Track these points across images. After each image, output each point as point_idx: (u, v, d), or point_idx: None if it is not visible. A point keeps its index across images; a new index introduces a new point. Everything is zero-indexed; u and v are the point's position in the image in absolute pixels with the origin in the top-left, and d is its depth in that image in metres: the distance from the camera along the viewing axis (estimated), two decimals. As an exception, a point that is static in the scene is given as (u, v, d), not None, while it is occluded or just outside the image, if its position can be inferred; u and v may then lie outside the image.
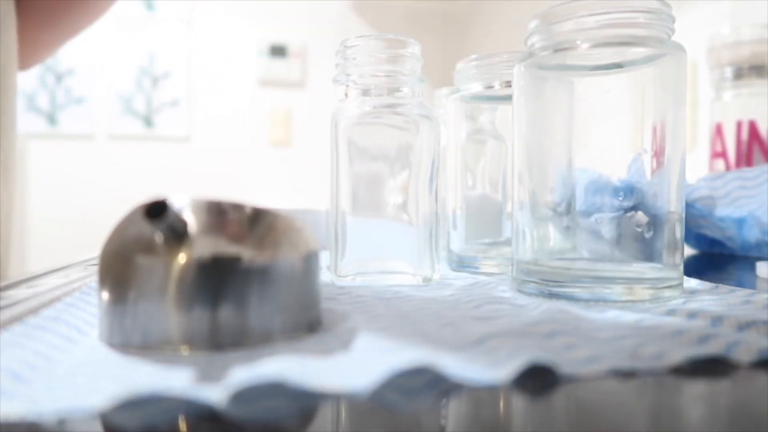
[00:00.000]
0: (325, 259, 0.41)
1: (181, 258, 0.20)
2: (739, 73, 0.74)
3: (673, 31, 0.29)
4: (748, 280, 0.39)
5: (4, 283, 0.36)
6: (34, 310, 0.27)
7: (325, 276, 0.37)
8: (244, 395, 0.16)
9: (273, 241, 0.22)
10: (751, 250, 0.53)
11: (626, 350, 0.20)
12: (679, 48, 0.29)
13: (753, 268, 0.42)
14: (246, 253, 0.21)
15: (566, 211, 0.31)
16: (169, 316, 0.20)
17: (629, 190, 0.29)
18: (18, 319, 0.25)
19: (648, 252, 0.29)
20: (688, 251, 0.59)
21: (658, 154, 0.29)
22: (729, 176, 0.55)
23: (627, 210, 0.29)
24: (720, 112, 0.77)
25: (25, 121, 2.13)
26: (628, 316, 0.25)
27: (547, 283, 0.30)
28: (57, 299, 0.30)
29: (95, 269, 0.23)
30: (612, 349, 0.20)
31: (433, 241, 0.36)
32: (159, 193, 0.21)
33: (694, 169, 0.75)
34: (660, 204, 0.29)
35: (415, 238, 0.36)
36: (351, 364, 0.18)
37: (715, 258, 0.54)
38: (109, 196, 2.18)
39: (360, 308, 0.28)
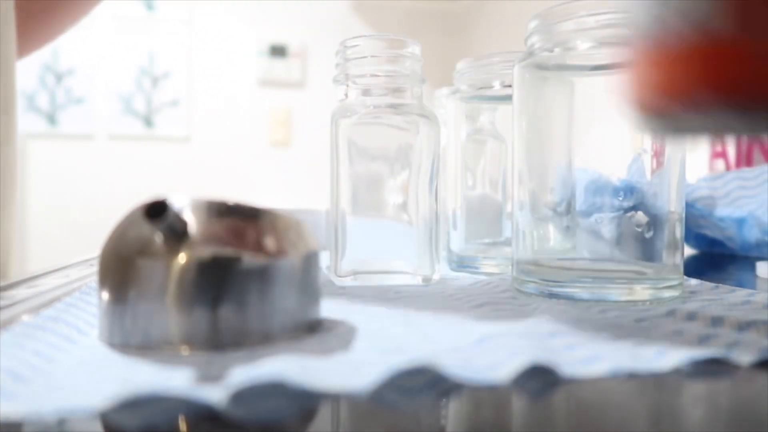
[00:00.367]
0: (325, 259, 0.41)
1: (181, 258, 0.20)
2: (739, 73, 0.74)
3: (673, 31, 0.29)
4: (748, 280, 0.39)
5: (4, 283, 0.36)
6: (34, 310, 0.27)
7: (325, 276, 0.37)
8: (244, 395, 0.16)
9: (273, 241, 0.22)
10: (751, 250, 0.53)
11: (626, 350, 0.20)
12: (679, 48, 0.29)
13: (753, 268, 0.42)
14: (246, 253, 0.21)
15: (566, 211, 0.31)
16: (169, 316, 0.20)
17: (629, 190, 0.29)
18: (18, 319, 0.25)
19: (648, 252, 0.29)
20: (688, 251, 0.59)
21: (658, 154, 0.29)
22: (729, 176, 0.55)
23: (627, 210, 0.29)
24: (720, 112, 0.77)
25: (25, 121, 2.13)
26: (628, 316, 0.25)
27: (547, 283, 0.30)
28: (57, 299, 0.30)
29: (95, 269, 0.23)
30: (612, 349, 0.20)
31: (433, 241, 0.36)
32: (159, 193, 0.21)
33: (694, 169, 0.75)
34: (660, 204, 0.29)
35: (415, 238, 0.36)
36: (351, 364, 0.18)
37: (715, 258, 0.54)
38: (109, 196, 2.18)
39: (360, 308, 0.28)
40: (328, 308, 0.27)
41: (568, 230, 0.31)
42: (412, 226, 0.36)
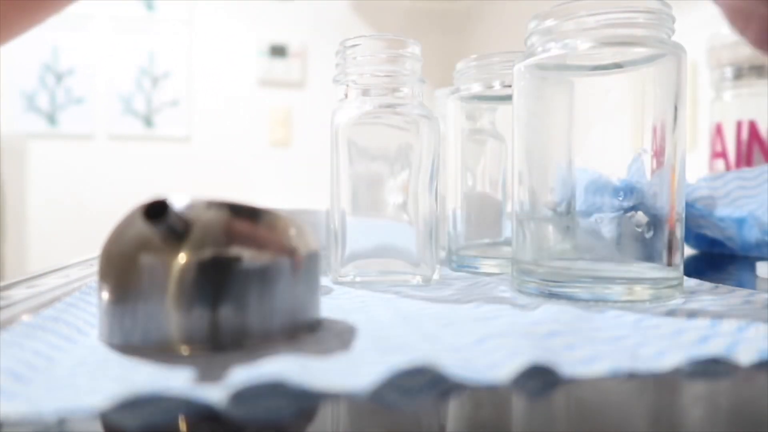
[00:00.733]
0: (325, 259, 0.41)
1: (181, 258, 0.20)
2: (739, 73, 0.74)
3: (673, 31, 0.29)
4: (748, 280, 0.39)
5: (4, 283, 0.36)
6: (34, 310, 0.27)
7: (325, 276, 0.37)
8: (244, 395, 0.16)
9: (273, 241, 0.22)
10: (751, 250, 0.53)
11: (626, 350, 0.20)
12: (679, 48, 0.29)
13: (753, 268, 0.42)
14: (246, 253, 0.21)
15: (566, 211, 0.31)
16: (169, 316, 0.20)
17: (629, 190, 0.29)
18: (18, 319, 0.25)
19: (648, 252, 0.29)
20: (688, 251, 0.59)
21: (658, 154, 0.29)
22: (729, 176, 0.55)
23: (627, 210, 0.29)
24: (720, 112, 0.77)
25: (25, 121, 2.13)
26: (628, 316, 0.25)
27: (547, 283, 0.30)
28: (57, 299, 0.30)
29: (95, 269, 0.23)
30: (612, 349, 0.20)
31: (433, 241, 0.36)
32: (159, 193, 0.21)
33: (694, 169, 0.75)
34: (660, 204, 0.29)
35: (415, 238, 0.36)
36: (351, 364, 0.18)
37: (715, 258, 0.54)
38: (109, 196, 2.18)
39: (360, 308, 0.28)
40: (328, 308, 0.27)
41: (568, 230, 0.31)
42: (412, 226, 0.36)
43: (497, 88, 0.40)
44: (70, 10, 0.56)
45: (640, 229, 0.29)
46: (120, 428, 0.15)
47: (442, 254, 0.43)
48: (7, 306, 0.29)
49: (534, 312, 0.26)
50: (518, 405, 0.17)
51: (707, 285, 0.33)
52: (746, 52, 0.74)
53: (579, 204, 0.31)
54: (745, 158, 0.73)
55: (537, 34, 0.30)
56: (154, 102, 2.29)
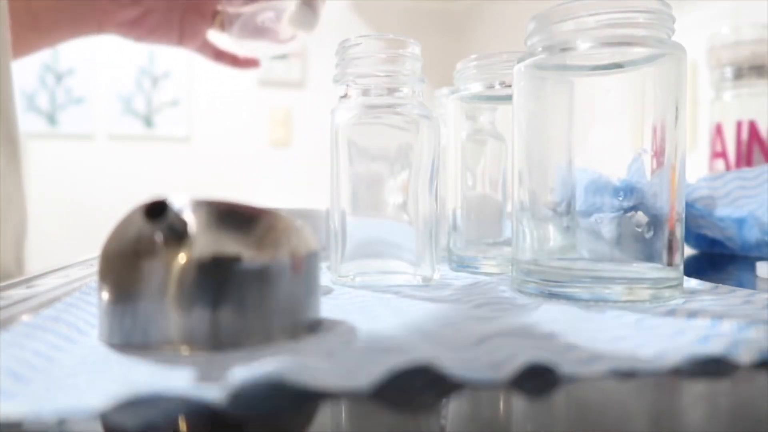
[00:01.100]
0: (325, 259, 0.41)
1: (181, 258, 0.20)
2: (739, 73, 0.74)
3: (673, 31, 0.29)
4: (748, 280, 0.39)
5: (4, 283, 0.36)
6: (34, 310, 0.27)
7: (325, 276, 0.37)
8: (244, 395, 0.16)
9: (273, 241, 0.22)
10: (751, 250, 0.53)
11: (626, 350, 0.20)
12: (679, 48, 0.29)
13: (753, 268, 0.42)
14: (246, 253, 0.21)
15: (566, 211, 0.31)
16: (169, 316, 0.20)
17: (629, 190, 0.29)
18: (18, 319, 0.25)
19: (648, 252, 0.29)
20: (688, 251, 0.59)
21: (658, 154, 0.29)
22: (729, 176, 0.55)
23: (627, 210, 0.29)
24: (720, 112, 0.77)
25: (25, 121, 2.13)
26: (628, 316, 0.25)
27: (547, 283, 0.30)
28: (57, 299, 0.30)
29: (95, 269, 0.23)
30: (612, 349, 0.20)
31: (433, 241, 0.36)
32: (159, 193, 0.21)
33: (694, 169, 0.75)
34: (660, 204, 0.29)
35: (415, 238, 0.36)
36: (351, 364, 0.18)
37: (715, 258, 0.54)
38: (109, 196, 2.18)
39: (360, 308, 0.28)
40: (328, 308, 0.27)
41: (568, 230, 0.31)
42: (412, 225, 0.36)
43: (497, 88, 0.40)
44: None
45: (640, 229, 0.29)
46: (120, 428, 0.15)
47: (442, 254, 0.43)
48: (7, 306, 0.29)
49: (534, 312, 0.26)
50: (518, 405, 0.17)
51: (707, 285, 0.33)
52: (746, 52, 0.74)
53: (579, 204, 0.31)
54: (745, 158, 0.73)
55: (537, 34, 0.30)
56: (154, 102, 2.29)
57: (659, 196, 0.29)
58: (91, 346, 0.21)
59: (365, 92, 0.36)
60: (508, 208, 0.41)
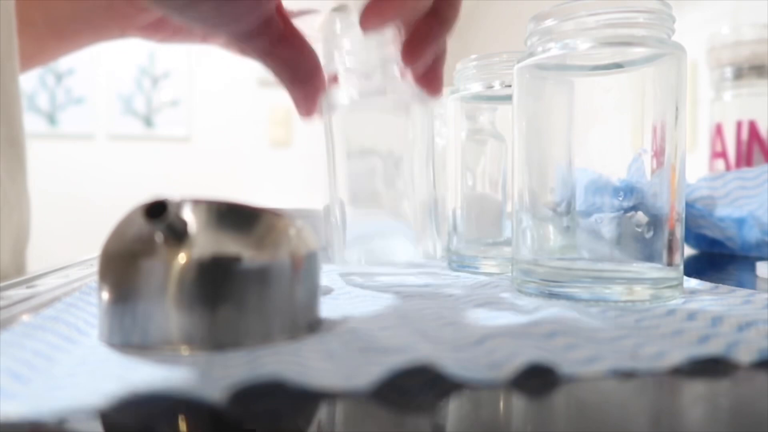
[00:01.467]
0: (326, 251, 0.41)
1: (181, 258, 0.20)
2: (739, 73, 0.74)
3: (673, 31, 0.29)
4: (748, 280, 0.39)
5: (4, 283, 0.36)
6: (34, 310, 0.27)
7: (325, 276, 0.37)
8: (244, 395, 0.16)
9: (273, 241, 0.22)
10: (751, 250, 0.53)
11: (626, 350, 0.20)
12: (679, 48, 0.29)
13: (753, 268, 0.42)
14: (246, 253, 0.21)
15: (566, 211, 0.31)
16: (169, 316, 0.20)
17: (629, 190, 0.29)
18: (18, 319, 0.25)
19: (648, 252, 0.29)
20: (688, 251, 0.59)
21: (658, 154, 0.29)
22: (729, 176, 0.55)
23: (627, 210, 0.29)
24: (720, 112, 0.77)
25: (25, 121, 2.13)
26: (628, 316, 0.25)
27: (547, 283, 0.30)
28: (57, 299, 0.30)
29: (95, 269, 0.23)
30: (612, 349, 0.20)
31: (433, 218, 0.36)
32: (159, 193, 0.21)
33: (694, 169, 0.75)
34: (660, 204, 0.29)
35: (414, 215, 0.36)
36: (351, 364, 0.18)
37: (715, 258, 0.54)
38: (109, 196, 2.18)
39: (360, 308, 0.28)
40: (328, 308, 0.27)
41: (568, 230, 0.31)
42: (411, 204, 0.36)
43: (497, 88, 0.40)
44: None
45: (640, 229, 0.29)
46: (120, 428, 0.15)
47: (444, 231, 0.43)
48: (7, 306, 0.29)
49: (534, 312, 0.26)
50: (518, 405, 0.17)
51: (707, 285, 0.33)
52: (746, 52, 0.74)
53: (579, 204, 0.31)
54: (745, 158, 0.73)
55: (537, 34, 0.30)
56: (154, 102, 2.29)
57: (659, 196, 0.29)
58: (91, 346, 0.21)
59: (357, 77, 0.36)
60: (508, 208, 0.41)
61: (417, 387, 0.17)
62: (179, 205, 0.21)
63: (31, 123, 2.16)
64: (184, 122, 2.31)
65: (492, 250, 0.42)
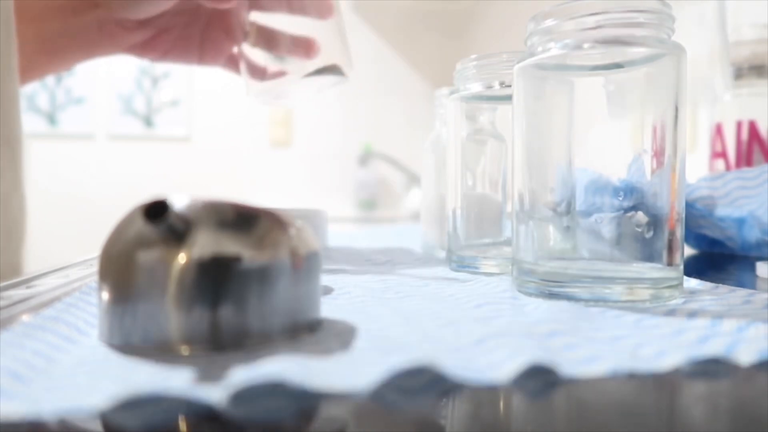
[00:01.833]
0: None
1: (181, 258, 0.20)
2: (739, 73, 0.74)
3: (673, 31, 0.29)
4: (748, 280, 0.39)
5: (4, 283, 0.36)
6: (34, 310, 0.27)
7: (325, 278, 0.37)
8: (244, 395, 0.16)
9: (273, 241, 0.22)
10: (751, 250, 0.53)
11: (626, 350, 0.20)
12: (679, 48, 0.29)
13: (753, 268, 0.42)
14: (246, 253, 0.21)
15: (566, 211, 0.31)
16: (169, 316, 0.20)
17: (629, 190, 0.29)
18: (18, 319, 0.25)
19: (648, 252, 0.29)
20: (688, 251, 0.59)
21: (658, 154, 0.29)
22: (729, 176, 0.55)
23: (627, 210, 0.29)
24: (720, 112, 0.77)
25: (25, 121, 2.13)
26: (628, 316, 0.25)
27: (547, 283, 0.30)
28: (57, 299, 0.30)
29: (95, 269, 0.23)
30: (612, 349, 0.20)
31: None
32: (159, 193, 0.21)
33: (694, 169, 0.75)
34: (660, 204, 0.29)
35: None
36: (351, 364, 0.18)
37: (715, 258, 0.54)
38: (109, 196, 2.18)
39: (360, 308, 0.28)
40: (328, 308, 0.27)
41: (568, 230, 0.31)
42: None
43: (497, 88, 0.40)
44: None
45: (640, 229, 0.29)
46: (120, 428, 0.15)
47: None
48: (7, 306, 0.29)
49: (534, 312, 0.26)
50: (518, 405, 0.17)
51: (707, 285, 0.33)
52: (746, 52, 0.74)
53: (579, 204, 0.31)
54: (745, 158, 0.73)
55: (537, 34, 0.30)
56: (154, 102, 2.29)
57: (659, 196, 0.29)
58: (91, 346, 0.21)
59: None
60: (508, 208, 0.41)
61: (417, 387, 0.17)
62: (179, 205, 0.21)
63: (31, 123, 2.16)
64: (184, 122, 2.31)
65: (492, 250, 0.42)
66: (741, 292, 0.30)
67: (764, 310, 0.25)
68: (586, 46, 0.29)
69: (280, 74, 0.51)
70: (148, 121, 2.29)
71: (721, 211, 0.53)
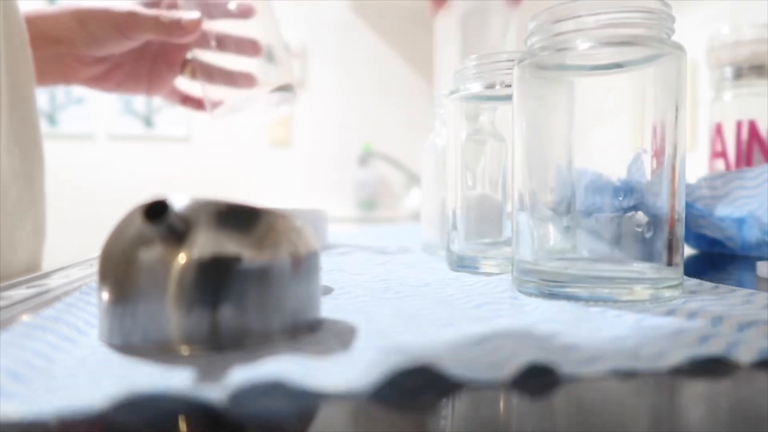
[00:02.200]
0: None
1: (181, 258, 0.20)
2: (739, 73, 0.74)
3: (673, 31, 0.29)
4: (748, 280, 0.39)
5: (4, 283, 0.36)
6: (34, 310, 0.27)
7: (323, 276, 0.37)
8: (244, 395, 0.16)
9: (273, 241, 0.22)
10: (751, 250, 0.53)
11: (626, 350, 0.20)
12: (679, 48, 0.29)
13: (753, 268, 0.42)
14: (246, 253, 0.21)
15: (566, 211, 0.31)
16: (169, 316, 0.20)
17: (629, 190, 0.29)
18: (18, 319, 0.25)
19: (648, 252, 0.29)
20: (688, 251, 0.59)
21: (658, 154, 0.29)
22: (729, 176, 0.55)
23: (627, 210, 0.29)
24: (720, 112, 0.77)
25: (25, 121, 2.13)
26: (628, 316, 0.25)
27: (547, 283, 0.30)
28: (57, 299, 0.30)
29: (95, 269, 0.23)
30: (612, 349, 0.20)
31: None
32: (159, 193, 0.21)
33: (694, 169, 0.75)
34: (660, 204, 0.29)
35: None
36: (351, 364, 0.18)
37: (715, 258, 0.54)
38: (109, 196, 2.18)
39: (360, 308, 0.28)
40: (328, 308, 0.27)
41: (568, 230, 0.31)
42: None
43: (497, 88, 0.40)
44: None
45: (640, 229, 0.29)
46: (120, 428, 0.15)
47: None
48: (7, 306, 0.29)
49: (534, 312, 0.26)
50: (518, 405, 0.17)
51: (707, 285, 0.33)
52: (746, 52, 0.74)
53: (579, 204, 0.31)
54: (745, 158, 0.73)
55: (537, 34, 0.30)
56: (154, 102, 2.29)
57: (659, 196, 0.29)
58: (91, 346, 0.21)
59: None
60: (508, 208, 0.41)
61: (417, 387, 0.17)
62: (179, 205, 0.21)
63: (31, 123, 2.16)
64: (184, 122, 2.31)
65: (492, 250, 0.42)
66: (741, 292, 0.30)
67: (764, 310, 0.25)
68: (586, 46, 0.29)
69: (219, 103, 0.58)
70: (148, 121, 2.29)
71: (721, 211, 0.53)
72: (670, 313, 0.26)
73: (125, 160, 2.28)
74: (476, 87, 0.41)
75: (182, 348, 0.20)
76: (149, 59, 0.60)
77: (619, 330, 0.23)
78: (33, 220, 0.51)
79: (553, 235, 0.31)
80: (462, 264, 0.42)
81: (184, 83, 0.64)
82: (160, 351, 0.20)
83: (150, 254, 0.21)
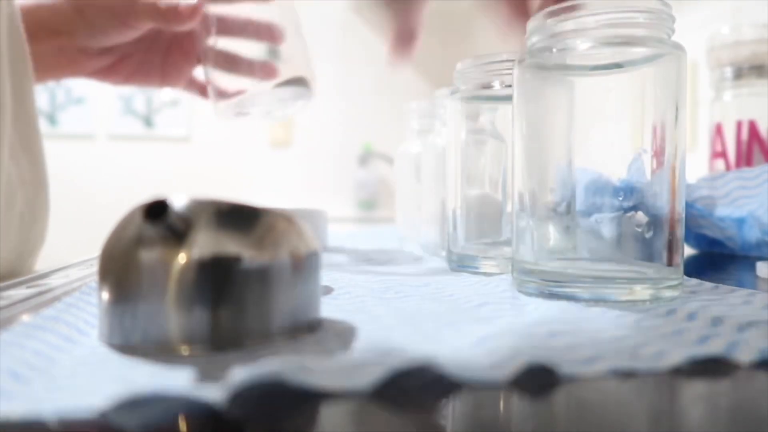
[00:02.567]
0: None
1: (181, 258, 0.20)
2: (739, 73, 0.74)
3: (673, 31, 0.29)
4: (748, 280, 0.39)
5: (4, 283, 0.36)
6: (34, 310, 0.27)
7: (324, 276, 0.37)
8: (244, 395, 0.16)
9: (273, 241, 0.22)
10: (751, 250, 0.53)
11: (626, 350, 0.20)
12: (679, 48, 0.29)
13: (753, 268, 0.42)
14: (246, 253, 0.21)
15: (566, 211, 0.31)
16: (169, 316, 0.20)
17: (629, 190, 0.29)
18: (18, 319, 0.25)
19: (648, 252, 0.29)
20: (688, 251, 0.59)
21: (658, 154, 0.29)
22: (729, 176, 0.55)
23: (627, 210, 0.29)
24: (720, 112, 0.77)
25: (25, 121, 2.13)
26: (628, 316, 0.25)
27: (547, 283, 0.30)
28: (57, 299, 0.30)
29: (95, 269, 0.23)
30: (612, 349, 0.20)
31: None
32: (159, 193, 0.21)
33: (694, 169, 0.75)
34: (660, 204, 0.29)
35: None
36: (351, 364, 0.18)
37: (715, 258, 0.54)
38: (109, 196, 2.18)
39: (360, 308, 0.28)
40: (328, 308, 0.27)
41: (568, 230, 0.31)
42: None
43: (497, 88, 0.40)
44: None
45: (640, 229, 0.29)
46: (120, 428, 0.15)
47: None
48: (7, 306, 0.29)
49: (534, 312, 0.26)
50: (518, 405, 0.17)
51: (707, 285, 0.33)
52: (746, 52, 0.74)
53: (579, 204, 0.31)
54: (745, 158, 0.73)
55: (537, 34, 0.30)
56: (154, 102, 2.29)
57: (659, 196, 0.29)
58: (91, 346, 0.21)
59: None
60: (508, 208, 0.41)
61: (417, 387, 0.17)
62: (179, 205, 0.21)
63: (31, 123, 2.16)
64: (184, 122, 2.31)
65: (492, 250, 0.42)
66: (741, 292, 0.30)
67: (764, 311, 0.25)
68: (586, 46, 0.29)
69: (242, 92, 0.52)
70: (148, 121, 2.29)
71: (721, 211, 0.53)
72: (670, 313, 0.26)
73: (125, 160, 2.28)
74: (476, 87, 0.41)
75: (182, 348, 0.20)
76: (162, 49, 0.57)
77: (619, 330, 0.23)
78: (40, 225, 0.50)
79: (553, 235, 0.31)
80: (462, 264, 0.42)
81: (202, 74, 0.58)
82: (160, 351, 0.20)
83: (150, 254, 0.21)
